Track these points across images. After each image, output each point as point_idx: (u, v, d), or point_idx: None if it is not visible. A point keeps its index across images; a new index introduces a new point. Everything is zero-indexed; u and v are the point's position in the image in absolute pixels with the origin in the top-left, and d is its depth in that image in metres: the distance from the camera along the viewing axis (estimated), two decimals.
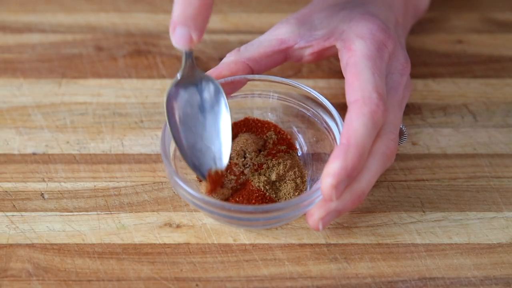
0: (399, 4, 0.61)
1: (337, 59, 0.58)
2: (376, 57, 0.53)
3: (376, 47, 0.53)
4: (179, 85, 0.53)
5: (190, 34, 0.48)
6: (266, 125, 0.59)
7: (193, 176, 0.56)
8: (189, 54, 0.52)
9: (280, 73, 0.59)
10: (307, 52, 0.58)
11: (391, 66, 0.55)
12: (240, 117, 0.60)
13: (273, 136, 0.58)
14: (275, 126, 0.59)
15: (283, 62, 0.59)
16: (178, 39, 0.48)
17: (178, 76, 0.53)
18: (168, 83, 0.66)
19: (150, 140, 0.61)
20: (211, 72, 0.56)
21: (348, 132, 0.49)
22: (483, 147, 0.61)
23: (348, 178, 0.48)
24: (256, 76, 0.57)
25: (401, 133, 0.56)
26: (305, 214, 0.52)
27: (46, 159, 0.60)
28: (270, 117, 0.60)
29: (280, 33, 0.58)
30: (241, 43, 0.69)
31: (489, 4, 0.75)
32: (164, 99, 0.52)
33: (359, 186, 0.50)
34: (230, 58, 0.57)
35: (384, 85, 0.52)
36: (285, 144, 0.58)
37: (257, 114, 0.60)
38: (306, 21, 0.58)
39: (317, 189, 0.50)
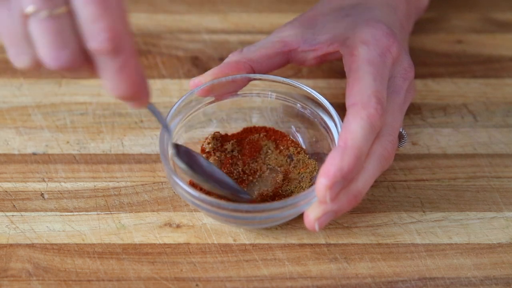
0: (403, 7, 0.61)
1: (338, 60, 0.58)
2: (378, 62, 0.53)
3: (379, 53, 0.53)
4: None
5: (137, 104, 0.46)
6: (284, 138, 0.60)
7: None
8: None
9: (280, 73, 0.59)
10: (310, 56, 0.58)
11: (394, 70, 0.55)
12: (240, 117, 0.60)
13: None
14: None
15: (285, 65, 0.59)
16: (132, 107, 0.47)
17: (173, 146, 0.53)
18: (168, 83, 0.66)
19: (150, 140, 0.61)
20: (212, 72, 0.56)
21: (345, 135, 0.49)
22: (483, 147, 0.61)
23: (344, 180, 0.48)
24: (257, 76, 0.57)
25: (401, 137, 0.56)
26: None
27: (46, 159, 0.60)
28: (270, 117, 0.60)
29: (283, 35, 0.58)
30: (241, 43, 0.69)
31: (489, 4, 0.75)
32: (183, 166, 0.52)
33: (355, 186, 0.50)
34: (232, 58, 0.57)
35: (384, 90, 0.52)
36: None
37: (257, 114, 0.60)
38: (310, 25, 0.58)
39: (314, 189, 0.50)
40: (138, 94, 0.44)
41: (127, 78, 0.43)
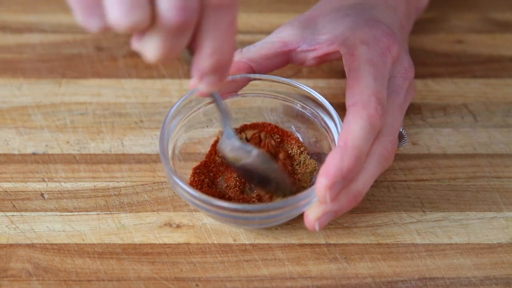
0: (403, 7, 0.61)
1: (338, 60, 0.58)
2: (378, 62, 0.53)
3: (379, 52, 0.53)
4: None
5: (220, 77, 0.45)
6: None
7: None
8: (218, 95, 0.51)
9: (280, 73, 0.59)
10: (310, 56, 0.58)
11: (394, 70, 0.55)
12: (240, 116, 0.60)
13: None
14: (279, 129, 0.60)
15: (285, 65, 0.59)
16: (209, 86, 0.45)
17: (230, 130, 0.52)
18: (168, 83, 0.66)
19: (150, 140, 0.61)
20: None
21: (345, 135, 0.49)
22: (483, 147, 0.61)
23: (344, 180, 0.48)
24: (257, 76, 0.57)
25: (401, 137, 0.56)
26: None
27: (46, 159, 0.60)
28: (270, 117, 0.60)
29: (283, 35, 0.58)
30: (241, 43, 0.69)
31: (489, 4, 0.75)
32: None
33: (355, 186, 0.50)
34: None
35: (384, 90, 0.52)
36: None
37: (256, 114, 0.60)
38: (310, 25, 0.58)
39: (314, 189, 0.50)
40: (232, 59, 0.44)
41: (232, 37, 0.42)
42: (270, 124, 0.60)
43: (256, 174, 0.53)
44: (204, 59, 0.43)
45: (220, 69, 0.44)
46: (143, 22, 0.40)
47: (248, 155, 0.52)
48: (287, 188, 0.53)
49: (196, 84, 0.45)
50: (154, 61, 0.42)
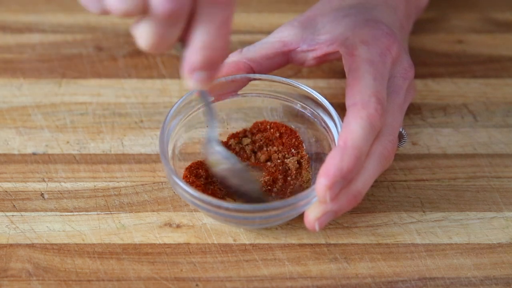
0: (403, 7, 0.61)
1: (338, 60, 0.58)
2: (378, 62, 0.53)
3: (378, 52, 0.53)
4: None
5: (210, 75, 0.45)
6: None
7: None
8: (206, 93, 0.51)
9: (280, 73, 0.59)
10: (310, 56, 0.58)
11: (394, 70, 0.55)
12: (240, 116, 0.60)
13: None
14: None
15: (285, 65, 0.59)
16: (198, 82, 0.45)
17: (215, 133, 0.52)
18: (168, 83, 0.66)
19: (150, 140, 0.61)
20: None
21: (345, 134, 0.49)
22: (483, 147, 0.61)
23: (344, 179, 0.48)
24: (257, 76, 0.57)
25: (400, 137, 0.56)
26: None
27: (46, 159, 0.60)
28: (270, 117, 0.60)
29: (283, 35, 0.58)
30: (241, 43, 0.69)
31: (489, 4, 0.75)
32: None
33: (355, 186, 0.50)
34: (231, 59, 0.57)
35: (384, 90, 0.52)
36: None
37: (256, 114, 0.60)
38: (310, 25, 0.58)
39: (314, 189, 0.50)
40: (224, 56, 0.44)
41: (226, 34, 0.43)
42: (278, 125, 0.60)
43: (232, 182, 0.53)
44: (194, 52, 0.43)
45: (210, 66, 0.44)
46: (136, 8, 0.41)
47: (227, 162, 0.52)
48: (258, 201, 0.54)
49: (191, 81, 0.45)
50: (146, 49, 0.43)
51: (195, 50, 0.43)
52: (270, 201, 0.54)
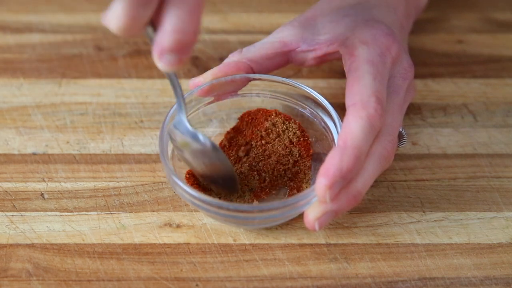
0: (403, 7, 0.61)
1: (338, 60, 0.58)
2: (378, 62, 0.53)
3: (378, 52, 0.53)
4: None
5: (180, 58, 0.45)
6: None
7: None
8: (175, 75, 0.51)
9: (280, 73, 0.59)
10: (310, 56, 0.58)
11: (393, 70, 0.55)
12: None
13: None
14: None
15: (285, 65, 0.59)
16: (167, 64, 0.45)
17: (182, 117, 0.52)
18: (168, 83, 0.66)
19: (150, 140, 0.61)
20: (212, 72, 0.56)
21: (345, 134, 0.49)
22: (483, 147, 0.61)
23: (343, 179, 0.48)
24: (257, 76, 0.57)
25: (400, 137, 0.56)
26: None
27: (46, 159, 0.60)
28: None
29: (283, 35, 0.58)
30: (241, 43, 0.69)
31: (489, 4, 0.75)
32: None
33: (355, 186, 0.50)
34: (231, 59, 0.57)
35: (384, 90, 0.52)
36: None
37: None
38: (310, 25, 0.58)
39: (314, 189, 0.50)
40: (194, 40, 0.44)
41: (197, 18, 0.43)
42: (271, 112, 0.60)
43: (202, 165, 0.52)
44: (164, 35, 0.44)
45: (180, 49, 0.44)
46: None
47: (197, 141, 0.52)
48: (233, 188, 0.53)
49: (161, 63, 0.45)
50: (118, 32, 0.43)
51: (165, 33, 0.44)
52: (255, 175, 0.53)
